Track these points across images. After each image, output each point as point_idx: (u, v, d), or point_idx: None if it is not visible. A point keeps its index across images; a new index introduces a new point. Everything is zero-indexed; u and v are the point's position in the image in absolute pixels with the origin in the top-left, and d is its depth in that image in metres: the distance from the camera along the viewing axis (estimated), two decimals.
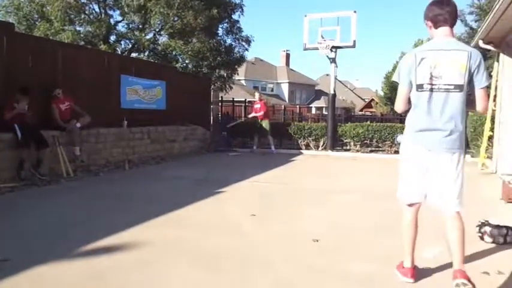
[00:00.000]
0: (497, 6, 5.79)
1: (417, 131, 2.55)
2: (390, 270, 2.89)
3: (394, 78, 2.67)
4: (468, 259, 3.13)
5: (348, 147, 11.49)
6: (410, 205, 2.72)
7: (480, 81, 2.46)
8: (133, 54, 15.87)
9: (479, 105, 2.50)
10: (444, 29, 2.52)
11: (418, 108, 2.54)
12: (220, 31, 16.36)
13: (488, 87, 2.52)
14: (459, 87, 2.43)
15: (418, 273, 2.81)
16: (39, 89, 6.67)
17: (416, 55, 2.51)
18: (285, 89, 44.25)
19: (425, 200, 2.65)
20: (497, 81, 8.00)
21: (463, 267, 2.55)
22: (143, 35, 15.05)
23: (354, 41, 11.05)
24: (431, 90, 2.47)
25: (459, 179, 2.52)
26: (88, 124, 7.31)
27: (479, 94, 2.48)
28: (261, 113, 11.23)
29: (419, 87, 2.50)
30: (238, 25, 16.45)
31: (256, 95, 12.21)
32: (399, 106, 2.66)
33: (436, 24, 2.54)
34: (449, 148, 2.48)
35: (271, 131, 11.30)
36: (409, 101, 2.61)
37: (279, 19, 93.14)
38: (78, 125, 7.03)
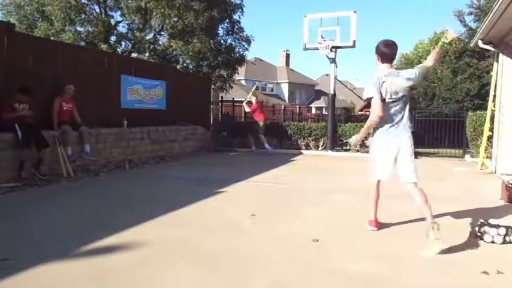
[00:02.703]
0: (496, 6, 5.81)
1: (391, 126, 3.59)
2: (390, 270, 2.90)
3: (370, 93, 3.58)
4: (467, 259, 3.15)
5: (348, 147, 11.48)
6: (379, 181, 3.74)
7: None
8: (134, 55, 15.88)
9: None
10: (388, 65, 3.63)
11: (389, 112, 3.57)
12: (220, 31, 16.39)
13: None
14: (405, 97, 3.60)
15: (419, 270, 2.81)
16: (39, 89, 6.68)
17: (379, 78, 3.55)
18: (284, 89, 44.25)
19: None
20: (496, 81, 8.01)
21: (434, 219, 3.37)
22: (143, 35, 15.07)
23: (354, 41, 11.05)
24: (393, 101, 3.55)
25: (413, 157, 3.60)
26: (88, 124, 7.36)
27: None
28: (248, 110, 11.53)
29: (385, 100, 3.54)
30: (239, 25, 16.48)
31: (250, 94, 12.15)
32: (378, 111, 3.52)
33: (383, 60, 3.63)
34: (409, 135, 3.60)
35: (268, 131, 11.32)
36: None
37: (279, 19, 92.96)
38: (88, 148, 7.22)
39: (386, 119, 3.56)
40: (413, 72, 3.59)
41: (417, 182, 3.50)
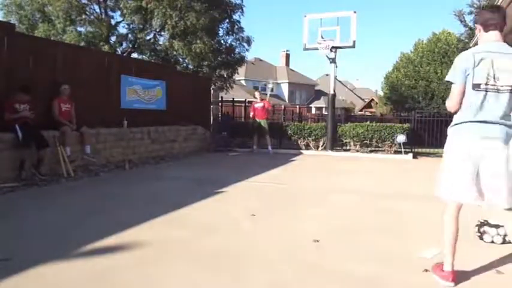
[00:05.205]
0: None
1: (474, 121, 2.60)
2: (390, 270, 2.90)
3: (449, 78, 2.71)
4: (467, 259, 3.14)
5: (348, 147, 11.49)
6: (457, 203, 2.70)
7: None
8: (134, 55, 15.89)
9: None
10: (494, 33, 2.63)
11: (472, 107, 2.58)
12: (220, 31, 16.38)
13: None
14: None
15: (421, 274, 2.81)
16: (39, 89, 6.68)
17: (474, 56, 2.56)
18: (284, 89, 44.26)
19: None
20: None
21: None
22: (144, 35, 15.07)
23: (354, 41, 11.06)
24: (487, 90, 2.53)
25: None
26: (88, 124, 7.36)
27: None
28: (269, 108, 11.73)
29: (476, 86, 2.55)
30: (239, 25, 16.48)
31: (257, 94, 12.23)
32: (453, 105, 2.69)
33: (487, 28, 2.64)
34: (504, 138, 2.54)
35: (270, 131, 11.34)
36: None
37: (279, 19, 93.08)
38: (89, 149, 7.26)
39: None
40: None
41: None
